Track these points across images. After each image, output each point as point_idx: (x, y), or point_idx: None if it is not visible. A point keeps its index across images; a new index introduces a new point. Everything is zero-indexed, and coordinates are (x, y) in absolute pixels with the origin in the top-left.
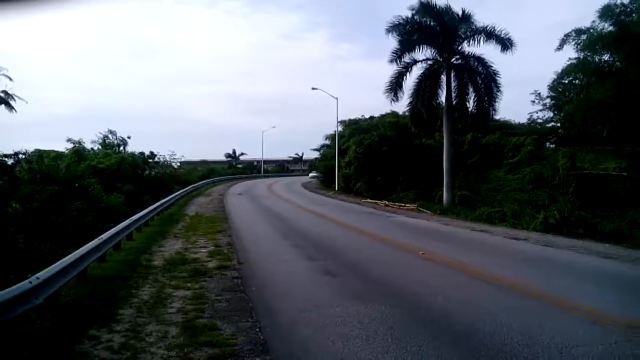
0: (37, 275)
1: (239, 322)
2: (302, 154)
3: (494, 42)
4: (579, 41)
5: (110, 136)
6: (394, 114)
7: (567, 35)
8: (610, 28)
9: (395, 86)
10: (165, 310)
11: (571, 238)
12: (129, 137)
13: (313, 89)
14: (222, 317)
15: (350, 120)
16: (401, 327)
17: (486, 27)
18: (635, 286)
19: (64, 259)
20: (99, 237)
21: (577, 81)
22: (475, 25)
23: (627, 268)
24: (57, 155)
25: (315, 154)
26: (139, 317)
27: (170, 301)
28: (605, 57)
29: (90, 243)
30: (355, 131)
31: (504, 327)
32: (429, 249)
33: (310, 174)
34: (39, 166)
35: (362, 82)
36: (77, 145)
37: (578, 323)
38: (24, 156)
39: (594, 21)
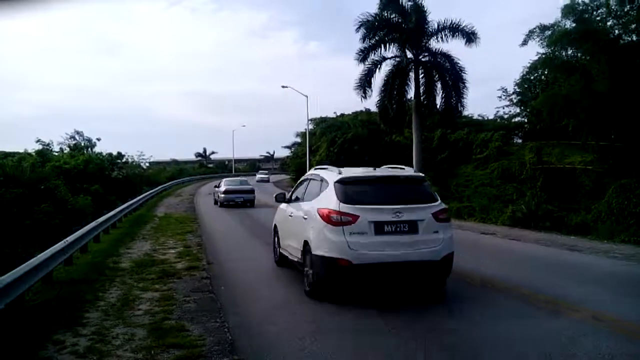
0: None
1: (207, 322)
2: (274, 152)
3: (460, 37)
4: (544, 37)
5: (77, 137)
6: (367, 111)
7: (531, 32)
8: (573, 25)
9: (364, 84)
10: (132, 313)
11: (538, 231)
12: (98, 139)
13: (283, 87)
14: (190, 318)
15: (321, 118)
16: (368, 321)
17: (452, 21)
18: (598, 278)
19: (28, 263)
20: (65, 240)
21: (543, 77)
22: (440, 20)
23: (591, 259)
24: (22, 157)
25: (287, 152)
26: (106, 320)
27: (137, 303)
28: (570, 52)
29: (56, 246)
30: (327, 130)
31: (470, 323)
32: None
33: (258, 176)
34: (2, 168)
35: (333, 80)
36: (45, 146)
37: (543, 315)
38: None
39: (556, 18)
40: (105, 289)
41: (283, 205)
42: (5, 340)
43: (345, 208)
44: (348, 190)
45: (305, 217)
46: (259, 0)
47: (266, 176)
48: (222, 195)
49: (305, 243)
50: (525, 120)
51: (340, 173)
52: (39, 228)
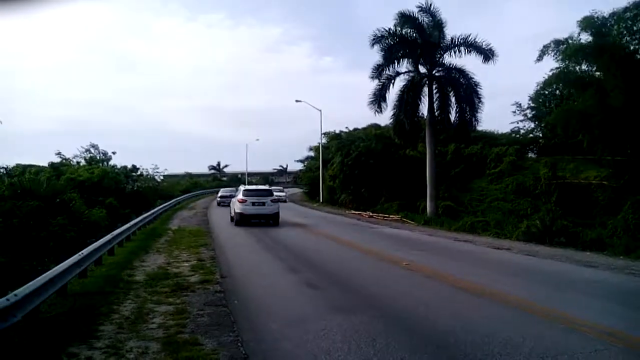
0: (15, 292)
1: (220, 337)
2: (287, 166)
3: (475, 53)
4: (558, 52)
5: (92, 150)
6: (377, 126)
7: (546, 47)
8: (590, 39)
9: (378, 98)
10: (146, 326)
11: (553, 247)
12: (114, 153)
13: (297, 101)
14: (203, 332)
15: (335, 133)
16: (384, 339)
17: (467, 37)
18: (613, 294)
19: (43, 275)
20: (80, 253)
21: (557, 92)
22: (455, 36)
23: (607, 276)
24: (38, 170)
25: (300, 166)
26: (120, 333)
27: (151, 316)
28: (585, 67)
29: (71, 259)
30: (340, 143)
31: (487, 337)
32: (412, 259)
33: (219, 194)
34: (20, 181)
35: (346, 94)
36: (65, 160)
37: (558, 332)
38: (4, 171)
39: (573, 32)
40: (120, 302)
41: (233, 199)
42: (21, 352)
43: (243, 197)
44: (245, 192)
45: (235, 201)
46: (274, 16)
47: (283, 194)
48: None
49: (234, 210)
50: (540, 135)
51: (244, 186)
52: (55, 241)
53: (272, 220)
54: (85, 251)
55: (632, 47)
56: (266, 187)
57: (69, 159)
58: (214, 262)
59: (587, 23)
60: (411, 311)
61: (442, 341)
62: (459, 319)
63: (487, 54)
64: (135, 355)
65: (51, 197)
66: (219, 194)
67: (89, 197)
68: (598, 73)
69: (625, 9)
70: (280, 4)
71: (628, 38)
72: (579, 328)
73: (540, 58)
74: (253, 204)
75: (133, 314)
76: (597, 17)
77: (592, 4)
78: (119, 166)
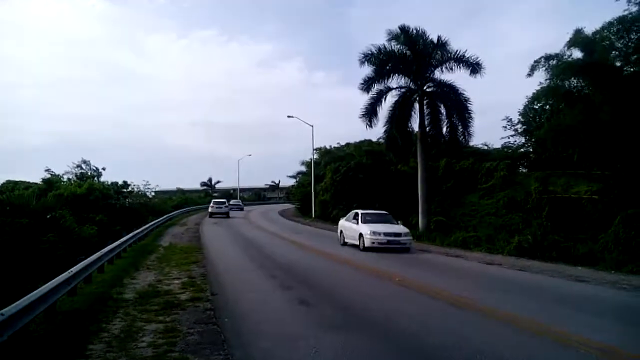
0: (2, 311)
1: (210, 355)
2: (279, 182)
3: (464, 67)
4: (548, 67)
5: (83, 166)
6: (369, 141)
7: (536, 62)
8: (579, 55)
9: (370, 113)
10: (135, 345)
11: (545, 262)
12: (103, 169)
13: (289, 116)
14: (193, 350)
15: (325, 149)
16: (375, 356)
17: (457, 52)
18: (604, 309)
19: (31, 294)
20: (69, 271)
21: (547, 106)
22: (447, 51)
23: (598, 291)
24: (28, 186)
25: (292, 181)
26: (109, 352)
27: (141, 335)
28: (574, 82)
29: (60, 277)
30: (332, 159)
31: (479, 354)
32: (404, 275)
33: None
34: (9, 197)
35: (338, 110)
36: (54, 176)
37: (549, 347)
38: None
39: (563, 48)
40: (109, 320)
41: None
42: None
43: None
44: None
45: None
46: (266, 31)
47: (240, 203)
48: None
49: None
50: (531, 149)
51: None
52: (44, 258)
53: (225, 215)
54: (74, 269)
55: (618, 64)
56: (224, 200)
57: (59, 175)
58: (205, 279)
59: (576, 40)
60: (402, 327)
61: (433, 357)
62: (450, 334)
63: (475, 67)
64: None
65: (41, 213)
66: (211, 205)
67: (79, 213)
68: (587, 89)
69: (610, 24)
70: (272, 19)
71: (614, 54)
72: (570, 343)
73: (530, 73)
74: (217, 207)
75: (122, 332)
76: (585, 35)
77: (587, 20)
78: (109, 182)
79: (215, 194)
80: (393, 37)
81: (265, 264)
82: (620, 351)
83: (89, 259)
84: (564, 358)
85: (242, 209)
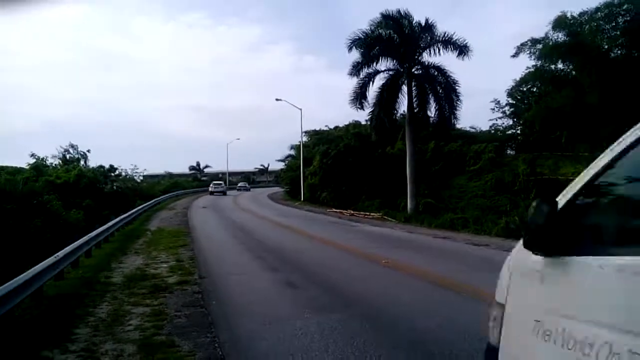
0: None
1: (197, 338)
2: (268, 165)
3: (452, 50)
4: (535, 50)
5: (71, 150)
6: (358, 124)
7: (523, 44)
8: (564, 38)
9: (359, 96)
10: (122, 328)
11: None
12: (88, 151)
13: (277, 99)
14: (180, 333)
15: (314, 131)
16: (362, 337)
17: (444, 34)
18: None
19: (17, 278)
20: (55, 255)
21: (535, 89)
22: (434, 34)
23: None
24: (15, 171)
25: (281, 165)
26: (95, 336)
27: (128, 318)
28: (560, 65)
29: (46, 261)
30: (320, 141)
31: (464, 334)
32: (391, 257)
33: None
34: None
35: (328, 94)
36: (39, 161)
37: None
38: None
39: (548, 32)
40: (96, 304)
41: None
42: None
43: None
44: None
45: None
46: (255, 15)
47: (223, 186)
48: None
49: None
50: (519, 131)
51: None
52: (31, 243)
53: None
54: (60, 253)
55: (605, 46)
56: (221, 182)
57: (44, 159)
58: (193, 262)
59: (560, 22)
60: (389, 309)
61: (419, 338)
62: (437, 315)
63: (462, 50)
64: (111, 358)
65: (28, 198)
66: (211, 185)
67: (66, 198)
68: (574, 72)
69: (597, 9)
70: (260, 2)
71: (600, 36)
72: None
73: (516, 55)
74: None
75: (109, 316)
76: (569, 17)
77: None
78: (95, 166)
79: (204, 178)
80: (378, 24)
81: (253, 247)
82: None
83: (75, 243)
84: None
85: (248, 190)
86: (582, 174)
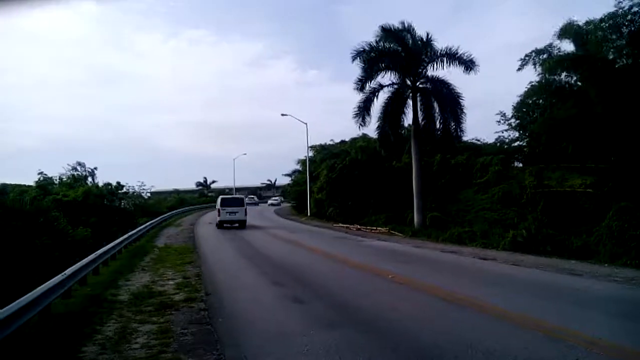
0: None
1: (203, 355)
2: (275, 180)
3: (458, 64)
4: (539, 60)
5: (79, 168)
6: (364, 137)
7: (527, 56)
8: (570, 47)
9: (363, 111)
10: (129, 346)
11: (539, 256)
12: (95, 168)
13: (282, 115)
14: (187, 350)
15: (321, 145)
16: (368, 353)
17: (449, 49)
18: (595, 302)
19: (25, 297)
20: (63, 273)
21: (540, 101)
22: (438, 48)
23: (590, 284)
24: (23, 190)
25: (287, 180)
26: (102, 354)
27: (135, 336)
28: (564, 77)
29: (54, 279)
30: (326, 156)
31: (470, 349)
32: (399, 272)
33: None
34: (3, 201)
35: (332, 107)
36: (47, 179)
37: (540, 340)
38: None
39: (552, 41)
40: (103, 322)
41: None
42: None
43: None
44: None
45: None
46: (257, 30)
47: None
48: None
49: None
50: (525, 144)
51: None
52: (39, 261)
53: None
54: (68, 271)
55: (611, 56)
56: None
57: (51, 177)
58: (199, 279)
59: (566, 30)
60: (395, 324)
61: (425, 353)
62: (443, 330)
63: (469, 65)
64: None
65: (35, 216)
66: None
67: (73, 216)
68: (579, 83)
69: (601, 20)
70: (263, 18)
71: (606, 46)
72: (561, 337)
73: (521, 67)
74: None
75: (116, 334)
76: (575, 26)
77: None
78: (101, 184)
79: (211, 194)
80: (380, 37)
81: (260, 263)
82: (612, 344)
83: (82, 261)
84: (554, 351)
85: (257, 205)
86: None
